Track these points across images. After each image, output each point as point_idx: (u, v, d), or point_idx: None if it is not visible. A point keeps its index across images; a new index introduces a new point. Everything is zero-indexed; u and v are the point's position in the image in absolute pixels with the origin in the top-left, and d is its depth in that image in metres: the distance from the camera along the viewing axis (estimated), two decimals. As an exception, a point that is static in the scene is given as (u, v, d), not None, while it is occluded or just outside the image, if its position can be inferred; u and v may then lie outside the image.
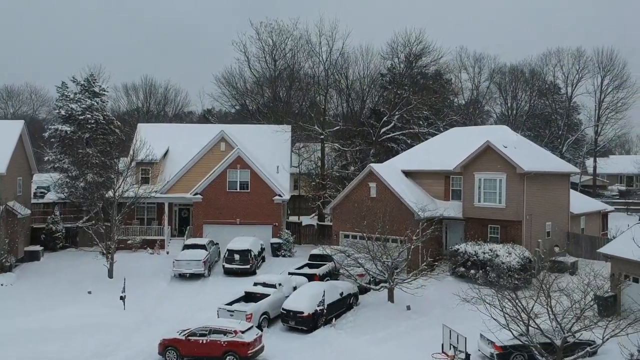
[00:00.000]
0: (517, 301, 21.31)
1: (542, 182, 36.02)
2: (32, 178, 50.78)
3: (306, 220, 52.11)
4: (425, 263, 32.62)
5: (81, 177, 53.05)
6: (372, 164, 38.54)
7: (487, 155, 35.12)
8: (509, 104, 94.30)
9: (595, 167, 74.57)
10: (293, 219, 58.36)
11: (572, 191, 42.60)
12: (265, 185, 43.57)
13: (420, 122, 66.62)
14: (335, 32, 61.00)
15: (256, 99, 70.40)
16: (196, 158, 45.41)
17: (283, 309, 28.41)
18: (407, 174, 39.58)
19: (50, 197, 68.63)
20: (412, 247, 32.22)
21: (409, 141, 62.99)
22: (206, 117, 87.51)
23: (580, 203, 43.01)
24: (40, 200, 65.58)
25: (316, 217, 56.35)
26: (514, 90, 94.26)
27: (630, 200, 67.59)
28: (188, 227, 45.33)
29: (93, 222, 46.01)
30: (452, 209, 37.29)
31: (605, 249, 29.59)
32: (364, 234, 32.44)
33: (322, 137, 52.77)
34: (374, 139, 58.92)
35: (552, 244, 37.93)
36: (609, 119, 74.76)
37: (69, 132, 53.68)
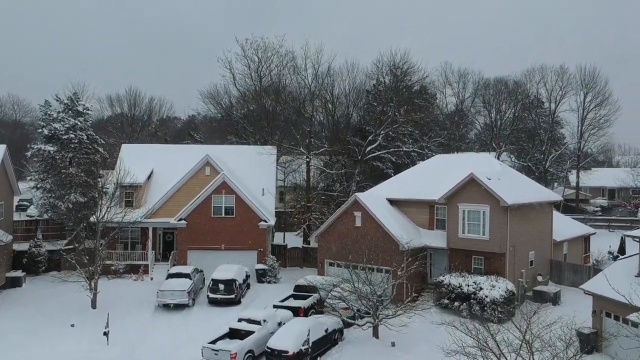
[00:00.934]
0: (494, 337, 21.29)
1: (525, 213, 36.34)
2: (14, 200, 50.03)
3: (292, 240, 52.06)
4: (409, 299, 32.72)
5: (65, 197, 52.75)
6: (357, 194, 38.60)
7: (471, 187, 35.34)
8: (493, 116, 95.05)
9: (578, 183, 75.31)
10: (279, 235, 58.34)
11: (555, 213, 42.97)
12: (251, 210, 43.48)
13: (406, 139, 66.95)
14: (320, 56, 61.20)
15: (241, 113, 70.24)
16: (181, 182, 45.19)
17: (268, 347, 28.35)
18: (392, 202, 39.72)
19: (32, 212, 68.08)
20: (397, 282, 32.33)
21: (393, 159, 63.30)
22: (191, 134, 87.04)
23: (562, 228, 43.39)
24: (23, 218, 65.06)
25: (302, 234, 56.19)
26: (497, 103, 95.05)
27: (612, 217, 68.24)
28: (172, 252, 45.11)
29: (76, 244, 45.70)
30: (436, 238, 37.48)
31: (587, 286, 29.91)
32: (349, 269, 32.49)
33: (307, 160, 52.72)
34: (359, 157, 59.06)
35: (535, 272, 38.30)
36: (591, 135, 75.60)
37: (52, 152, 53.27)
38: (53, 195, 53.03)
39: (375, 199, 38.87)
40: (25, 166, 56.63)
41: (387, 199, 39.72)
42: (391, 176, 62.79)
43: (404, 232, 37.08)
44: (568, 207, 78.45)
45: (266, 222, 43.52)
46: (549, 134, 77.17)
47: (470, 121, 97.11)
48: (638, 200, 77.17)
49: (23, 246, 51.28)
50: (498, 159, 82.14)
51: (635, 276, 28.69)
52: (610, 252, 51.42)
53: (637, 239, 28.66)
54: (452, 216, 36.17)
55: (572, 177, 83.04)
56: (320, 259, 39.98)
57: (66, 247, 48.19)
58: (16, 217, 55.47)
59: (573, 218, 68.93)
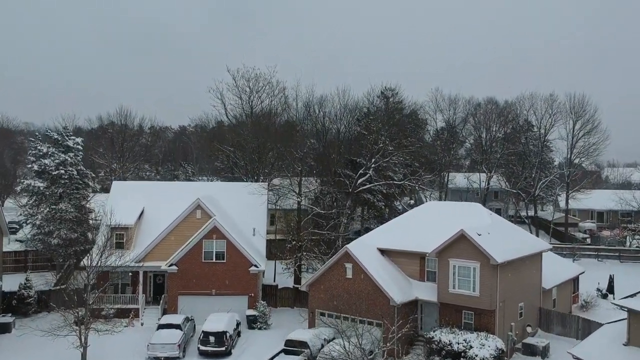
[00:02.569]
0: None
1: (515, 267, 36.57)
2: (3, 242, 49.53)
3: (282, 279, 52.02)
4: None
5: (54, 233, 52.53)
6: (348, 246, 38.68)
7: (461, 243, 35.51)
8: (483, 136, 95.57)
9: (567, 212, 75.72)
10: (270, 264, 58.10)
11: (544, 256, 43.15)
12: (242, 255, 43.46)
13: (397, 169, 67.14)
14: (312, 97, 61.38)
15: (231, 142, 70.33)
16: (172, 226, 45.04)
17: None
18: (383, 251, 39.85)
19: (22, 236, 67.62)
20: (389, 346, 32.50)
21: (384, 190, 63.45)
22: (182, 164, 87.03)
23: (551, 273, 43.44)
24: (12, 248, 64.70)
25: (292, 265, 55.80)
26: (487, 122, 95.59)
27: (601, 247, 68.76)
28: (163, 296, 45.00)
29: (63, 286, 45.46)
30: (427, 291, 37.64)
31: (576, 351, 30.12)
32: (340, 320, 32.61)
33: (299, 200, 52.76)
34: (350, 190, 59.14)
35: (524, 323, 38.57)
36: (581, 160, 76.25)
37: (41, 187, 53.10)
38: (43, 231, 52.87)
39: (366, 249, 38.97)
40: (15, 199, 56.23)
41: (378, 248, 39.82)
42: (382, 208, 63.09)
43: (395, 284, 37.23)
44: (557, 232, 79.09)
45: (257, 267, 43.54)
46: (539, 158, 77.66)
47: (460, 141, 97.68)
48: (626, 225, 77.86)
49: (13, 280, 51.06)
50: (488, 183, 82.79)
51: (624, 345, 28.95)
52: (599, 290, 51.86)
53: (626, 308, 28.91)
54: (443, 271, 36.34)
55: (562, 198, 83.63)
56: (311, 308, 40.02)
57: (55, 288, 48.01)
58: (5, 242, 54.81)
59: (562, 246, 69.72)
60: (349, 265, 38.01)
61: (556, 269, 45.68)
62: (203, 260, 43.47)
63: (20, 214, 54.70)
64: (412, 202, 71.56)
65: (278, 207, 64.61)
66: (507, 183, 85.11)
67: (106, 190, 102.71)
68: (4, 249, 51.40)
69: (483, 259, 34.69)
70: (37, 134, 56.18)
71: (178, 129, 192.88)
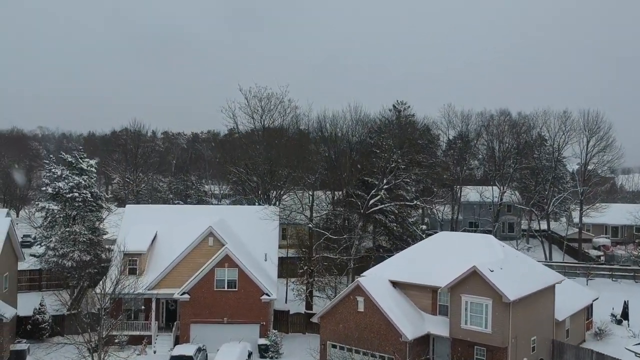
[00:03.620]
0: None
1: (528, 302, 36.35)
2: (17, 266, 50.05)
3: (294, 305, 52.07)
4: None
5: (68, 255, 53.05)
6: (360, 279, 38.65)
7: (474, 279, 35.36)
8: (496, 147, 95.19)
9: (580, 230, 75.00)
10: (281, 282, 58.13)
11: (557, 287, 42.86)
12: (253, 283, 43.59)
13: (409, 188, 66.96)
14: (325, 122, 61.49)
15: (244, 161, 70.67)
16: (184, 253, 45.29)
17: None
18: (395, 283, 39.79)
19: (35, 252, 68.20)
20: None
21: (396, 210, 63.22)
22: (194, 183, 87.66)
23: (565, 302, 43.00)
24: (26, 264, 65.29)
25: (304, 290, 55.87)
26: (500, 134, 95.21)
27: (615, 267, 68.15)
28: (175, 323, 45.23)
29: (78, 310, 45.89)
30: (439, 325, 37.51)
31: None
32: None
33: (310, 225, 52.81)
34: (361, 211, 59.07)
35: (537, 358, 38.34)
36: (594, 183, 75.64)
37: (56, 210, 53.63)
38: (57, 253, 53.39)
39: (377, 282, 38.91)
40: (31, 220, 56.95)
41: (390, 280, 39.76)
42: (394, 230, 62.95)
43: (407, 318, 37.15)
44: (570, 248, 78.55)
45: (269, 295, 43.64)
46: (553, 174, 77.06)
47: (472, 153, 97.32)
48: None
49: (27, 299, 51.63)
50: (501, 198, 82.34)
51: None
52: (613, 315, 51.43)
53: (639, 355, 28.67)
54: (455, 306, 36.22)
55: (576, 214, 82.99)
56: (322, 340, 40.05)
57: (69, 312, 48.40)
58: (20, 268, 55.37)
59: (575, 265, 69.22)
60: (360, 299, 37.98)
61: (569, 297, 45.23)
62: (215, 289, 43.66)
63: (35, 237, 55.26)
64: (424, 227, 71.35)
65: (289, 222, 64.88)
66: (520, 197, 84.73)
67: (120, 200, 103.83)
68: (18, 268, 52.04)
69: (495, 295, 34.52)
70: (51, 156, 56.58)
71: (191, 135, 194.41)
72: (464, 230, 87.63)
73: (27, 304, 49.44)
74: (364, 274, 41.32)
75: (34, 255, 68.42)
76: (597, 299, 49.53)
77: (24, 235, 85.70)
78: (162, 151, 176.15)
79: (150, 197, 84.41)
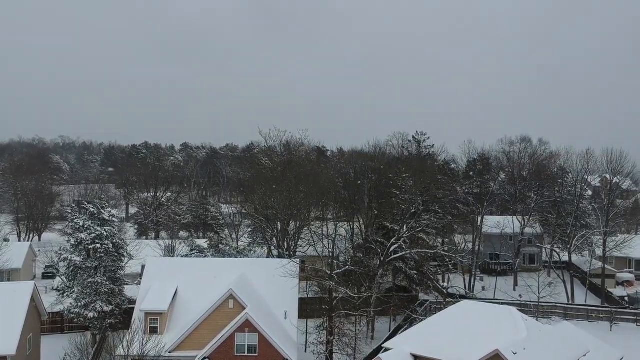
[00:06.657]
0: None
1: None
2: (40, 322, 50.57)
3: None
4: None
5: (90, 306, 53.63)
6: (381, 355, 38.46)
7: (496, 361, 35.01)
8: (516, 173, 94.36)
9: (603, 270, 73.72)
10: (301, 323, 57.60)
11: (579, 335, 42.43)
12: (274, 348, 43.56)
13: (429, 230, 66.54)
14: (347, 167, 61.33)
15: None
16: (204, 315, 45.42)
17: None
18: (417, 357, 39.51)
19: (59, 283, 68.81)
20: None
21: (417, 257, 62.76)
22: (210, 209, 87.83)
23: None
24: (49, 301, 65.95)
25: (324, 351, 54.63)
26: (520, 161, 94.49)
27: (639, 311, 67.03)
28: (196, 386, 45.37)
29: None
30: (461, 402, 37.19)
31: None
32: None
33: (329, 280, 52.64)
34: (382, 259, 58.83)
35: None
36: (617, 224, 74.48)
37: (78, 261, 54.24)
38: (80, 304, 53.98)
39: (399, 356, 38.67)
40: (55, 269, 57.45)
41: (411, 354, 39.50)
42: (414, 278, 62.57)
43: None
44: (593, 285, 77.47)
45: (289, 360, 43.59)
46: (575, 212, 75.79)
47: (492, 177, 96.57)
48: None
49: (50, 343, 52.21)
50: (522, 233, 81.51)
51: None
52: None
53: None
54: (477, 387, 35.86)
55: (599, 247, 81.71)
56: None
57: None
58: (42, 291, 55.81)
59: (598, 309, 68.21)
60: (382, 375, 37.79)
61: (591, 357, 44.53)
62: (235, 354, 43.71)
63: (57, 287, 56.06)
64: (445, 284, 70.77)
65: (308, 255, 64.77)
66: (541, 230, 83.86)
67: (140, 225, 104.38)
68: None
69: (519, 380, 34.11)
70: (73, 205, 57.18)
71: (210, 149, 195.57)
72: (484, 263, 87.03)
73: (51, 350, 50.05)
74: (385, 344, 41.08)
75: (57, 290, 69.22)
76: (622, 358, 48.65)
77: (46, 267, 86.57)
78: (182, 166, 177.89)
79: (171, 229, 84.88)
